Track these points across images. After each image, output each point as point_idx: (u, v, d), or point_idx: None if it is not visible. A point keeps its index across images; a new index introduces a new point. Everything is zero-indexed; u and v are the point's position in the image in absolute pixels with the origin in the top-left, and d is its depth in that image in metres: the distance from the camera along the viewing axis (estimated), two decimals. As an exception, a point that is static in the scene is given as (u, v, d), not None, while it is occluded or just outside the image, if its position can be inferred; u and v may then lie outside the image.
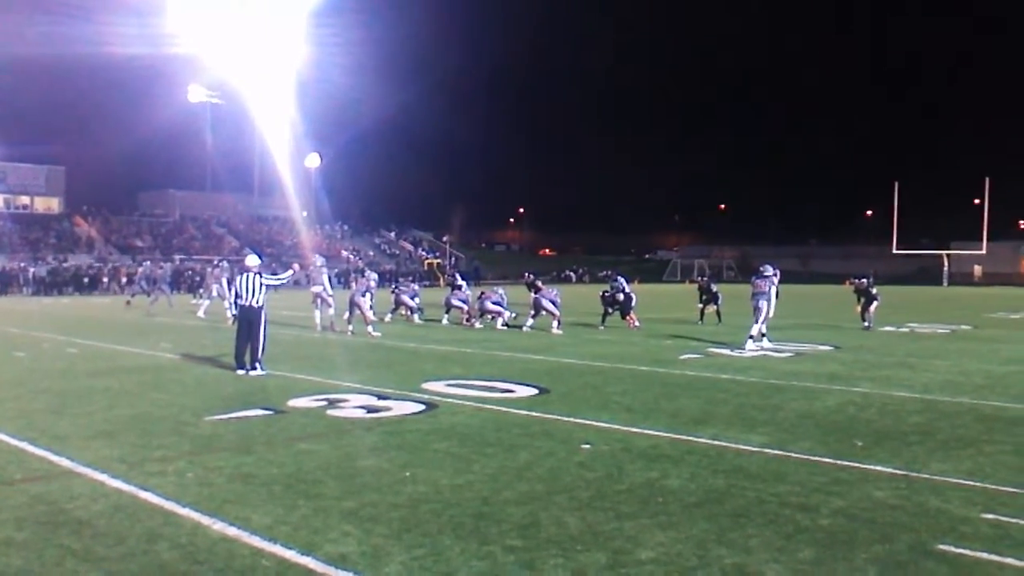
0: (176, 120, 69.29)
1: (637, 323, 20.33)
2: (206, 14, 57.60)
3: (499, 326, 20.12)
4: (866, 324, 20.42)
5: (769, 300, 16.01)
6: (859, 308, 21.09)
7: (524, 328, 19.24)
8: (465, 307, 21.62)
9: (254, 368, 11.59)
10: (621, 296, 20.96)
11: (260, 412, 8.69)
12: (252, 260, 12.36)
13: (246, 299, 11.81)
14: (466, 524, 4.97)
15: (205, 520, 5.02)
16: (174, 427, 7.93)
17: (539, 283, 21.98)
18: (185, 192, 75.30)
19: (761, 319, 15.78)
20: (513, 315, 20.75)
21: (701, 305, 22.58)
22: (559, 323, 19.37)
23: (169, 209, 72.17)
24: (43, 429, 7.80)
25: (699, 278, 22.65)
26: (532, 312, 19.82)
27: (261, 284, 11.87)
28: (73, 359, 13.85)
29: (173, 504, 5.34)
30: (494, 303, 20.65)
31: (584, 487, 5.79)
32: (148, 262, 41.57)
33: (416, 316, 22.50)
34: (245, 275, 11.98)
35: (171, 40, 55.54)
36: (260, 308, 11.79)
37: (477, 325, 20.61)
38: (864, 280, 21.92)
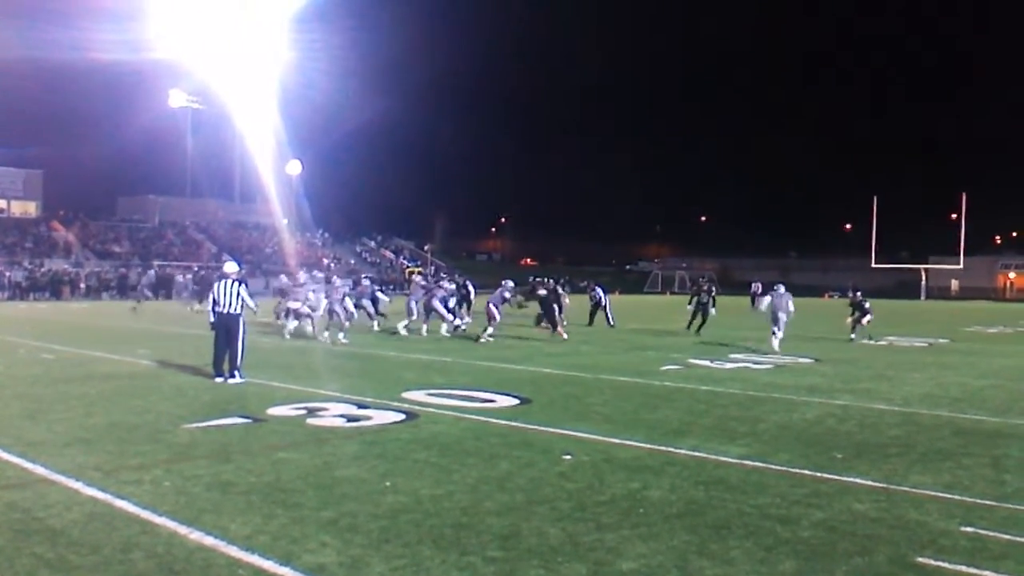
0: (156, 125, 68.92)
1: (564, 335, 19.37)
2: (187, 19, 57.38)
3: (444, 331, 19.42)
4: (852, 336, 20.68)
5: (788, 312, 18.14)
6: (850, 320, 21.30)
7: (481, 340, 18.33)
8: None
9: (233, 376, 11.48)
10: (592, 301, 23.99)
11: (239, 420, 8.61)
12: (231, 267, 12.25)
13: (224, 306, 11.67)
14: (446, 534, 4.93)
15: (182, 529, 4.96)
16: (151, 435, 7.84)
17: (556, 287, 21.98)
18: (165, 197, 74.72)
19: (781, 328, 17.82)
20: (463, 325, 20.00)
21: (692, 312, 22.47)
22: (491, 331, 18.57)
23: (148, 215, 71.61)
24: (17, 436, 7.69)
25: (698, 285, 22.78)
26: (489, 320, 18.88)
27: (239, 293, 11.74)
28: (49, 365, 13.69)
29: (149, 513, 5.27)
30: (440, 300, 19.87)
31: (565, 498, 5.77)
32: (152, 270, 41.30)
33: (375, 323, 21.43)
34: (223, 282, 11.84)
35: (152, 45, 55.23)
36: (238, 315, 11.68)
37: (424, 332, 19.75)
38: (858, 293, 22.41)
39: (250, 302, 12.04)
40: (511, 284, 19.95)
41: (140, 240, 65.35)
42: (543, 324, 19.73)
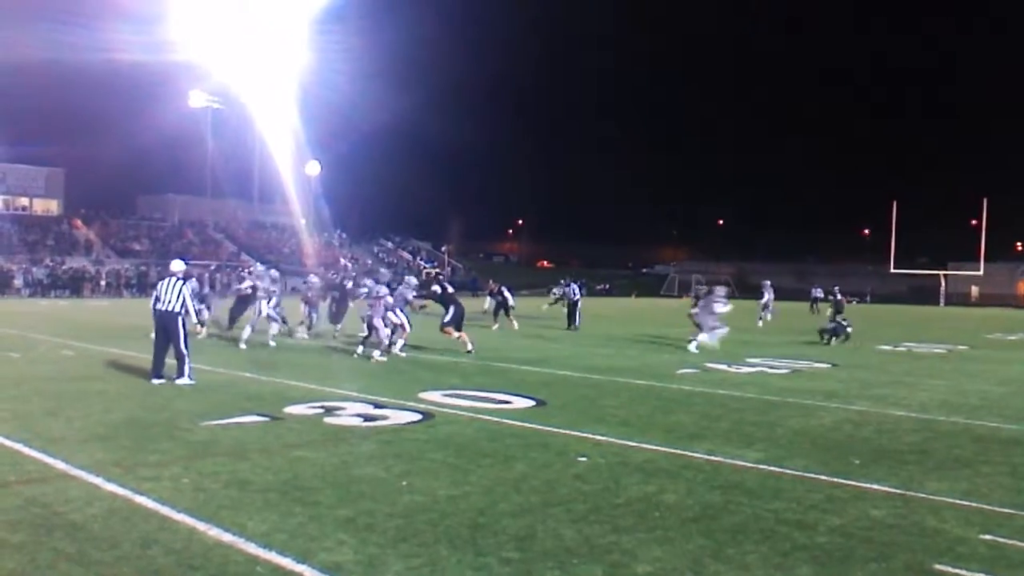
0: (177, 125, 69.36)
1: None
2: (208, 21, 57.80)
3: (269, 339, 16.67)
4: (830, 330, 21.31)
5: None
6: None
7: (377, 358, 14.80)
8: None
9: (181, 377, 11.10)
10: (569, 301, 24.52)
11: (256, 418, 8.67)
12: (176, 265, 11.85)
13: (164, 303, 11.29)
14: (462, 535, 4.95)
15: (200, 526, 5.00)
16: (170, 432, 7.91)
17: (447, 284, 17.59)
18: (185, 197, 75.40)
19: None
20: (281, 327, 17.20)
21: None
22: (392, 345, 15.49)
23: (168, 213, 72.22)
24: (38, 431, 7.77)
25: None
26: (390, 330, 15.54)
27: (181, 291, 11.37)
28: (69, 361, 13.82)
29: (168, 509, 5.32)
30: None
31: (581, 500, 5.78)
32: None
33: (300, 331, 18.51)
34: (167, 279, 11.52)
35: (173, 47, 55.70)
36: (177, 314, 11.29)
37: (301, 335, 17.57)
38: (836, 290, 23.91)
39: (190, 304, 11.66)
40: (414, 282, 17.20)
41: (160, 239, 65.87)
42: (446, 328, 16.43)
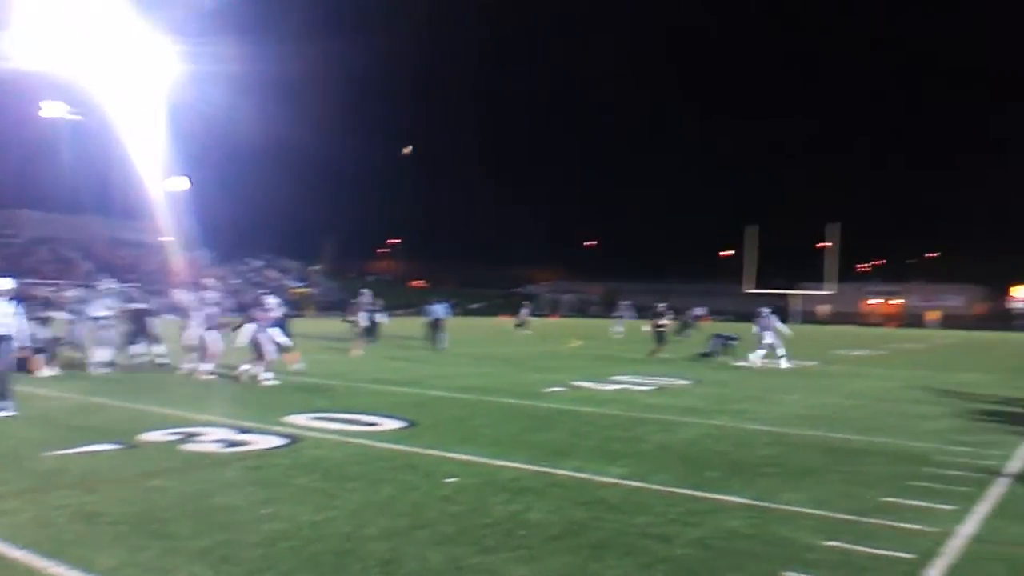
0: (30, 137, 65.38)
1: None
2: (66, 27, 54.98)
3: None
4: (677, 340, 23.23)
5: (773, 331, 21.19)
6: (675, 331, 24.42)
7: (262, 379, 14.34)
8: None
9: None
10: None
11: (108, 446, 8.22)
12: (5, 283, 10.82)
13: None
14: (327, 561, 4.84)
15: (41, 563, 4.69)
16: (11, 462, 7.40)
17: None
18: (40, 213, 71.16)
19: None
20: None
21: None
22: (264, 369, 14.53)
23: (20, 230, 68.01)
24: None
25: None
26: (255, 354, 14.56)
27: (13, 312, 10.53)
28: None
29: (7, 546, 4.97)
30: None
31: (448, 521, 5.75)
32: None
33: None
34: None
35: (26, 53, 52.63)
36: (6, 338, 10.44)
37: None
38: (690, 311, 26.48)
39: (25, 325, 10.85)
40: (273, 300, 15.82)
41: (9, 256, 61.82)
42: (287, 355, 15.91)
